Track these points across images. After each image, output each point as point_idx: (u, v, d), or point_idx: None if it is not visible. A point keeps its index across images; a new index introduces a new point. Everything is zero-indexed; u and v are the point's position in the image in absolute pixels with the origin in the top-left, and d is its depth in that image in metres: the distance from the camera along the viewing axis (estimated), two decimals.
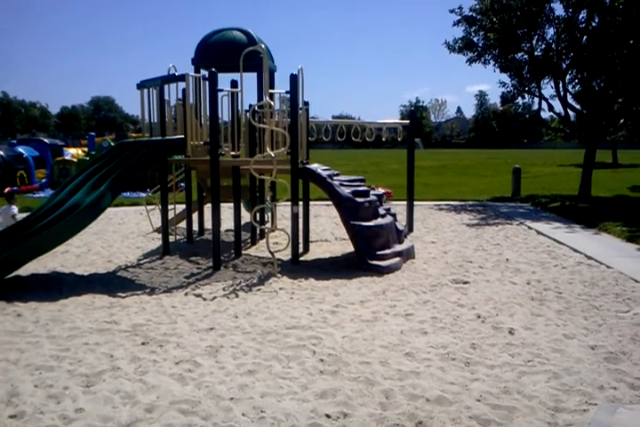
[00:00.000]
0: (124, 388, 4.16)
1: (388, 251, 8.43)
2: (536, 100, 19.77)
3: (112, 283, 7.48)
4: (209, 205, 9.29)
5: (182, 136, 8.63)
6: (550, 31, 18.48)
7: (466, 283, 7.45)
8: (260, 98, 9.40)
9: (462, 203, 17.43)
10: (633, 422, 3.62)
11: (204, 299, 6.68)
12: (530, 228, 12.18)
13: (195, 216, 11.07)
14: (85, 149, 25.88)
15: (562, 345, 5.10)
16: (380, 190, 17.97)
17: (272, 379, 4.33)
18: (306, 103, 9.65)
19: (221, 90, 8.89)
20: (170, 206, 10.20)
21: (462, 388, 4.18)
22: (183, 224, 10.97)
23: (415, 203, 12.86)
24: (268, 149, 8.16)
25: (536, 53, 18.45)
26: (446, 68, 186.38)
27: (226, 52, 9.87)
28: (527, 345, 5.09)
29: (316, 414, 3.73)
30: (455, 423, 3.61)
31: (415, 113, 14.34)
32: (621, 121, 19.73)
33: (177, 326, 5.66)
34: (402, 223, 10.42)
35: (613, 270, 8.00)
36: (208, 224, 10.26)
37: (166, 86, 9.11)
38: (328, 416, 3.71)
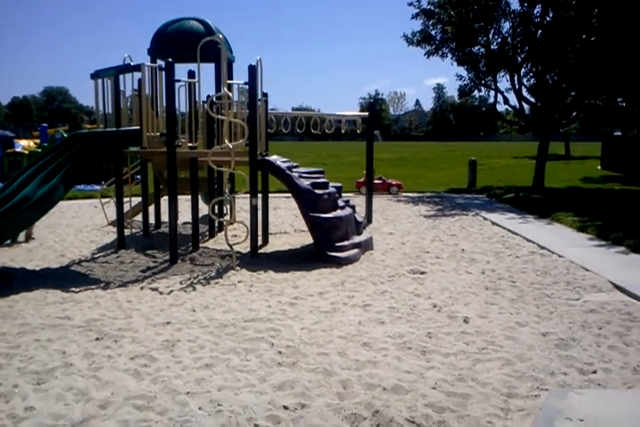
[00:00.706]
0: (77, 384, 4.07)
1: (346, 242, 8.47)
2: (492, 93, 20.16)
3: (65, 278, 7.30)
4: (166, 197, 9.15)
5: (138, 127, 8.45)
6: (506, 25, 18.81)
7: (423, 273, 7.56)
8: (218, 89, 9.28)
9: (420, 194, 17.65)
10: (582, 406, 3.74)
11: (161, 293, 6.58)
12: (485, 218, 12.42)
13: (151, 209, 10.90)
14: (37, 141, 25.10)
15: (515, 333, 5.22)
16: (392, 182, 18.00)
17: (229, 372, 4.31)
18: (265, 94, 9.57)
19: (178, 80, 8.74)
20: (125, 199, 10.00)
21: (418, 376, 4.23)
22: (139, 217, 10.77)
23: (374, 195, 12.94)
24: (226, 141, 8.08)
25: (492, 47, 18.76)
26: (405, 60, 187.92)
27: (183, 42, 9.69)
28: (481, 333, 5.20)
29: (273, 406, 3.73)
30: (411, 411, 3.66)
31: (374, 105, 14.42)
32: (574, 114, 20.27)
33: (132, 320, 5.57)
34: (361, 215, 10.48)
35: (565, 259, 8.23)
36: (165, 217, 10.11)
37: (121, 76, 8.90)
38: (286, 408, 3.72)
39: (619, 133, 37.74)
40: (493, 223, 11.76)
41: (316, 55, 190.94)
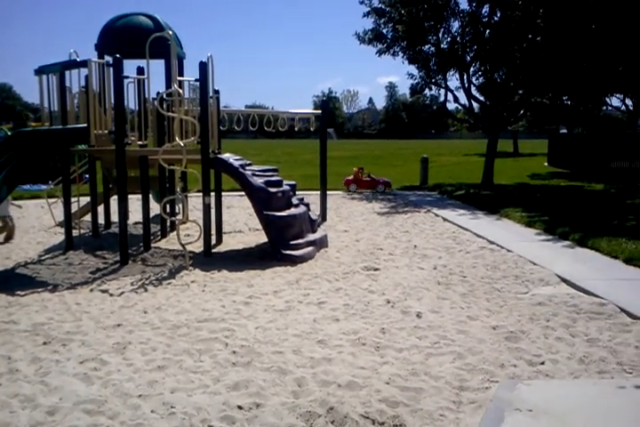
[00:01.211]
0: (24, 391, 3.93)
1: (301, 240, 8.47)
2: (442, 91, 20.49)
3: (10, 281, 7.05)
4: (115, 196, 8.94)
5: (85, 125, 8.23)
6: (455, 24, 19.16)
7: (376, 270, 7.62)
8: (168, 86, 9.12)
9: (373, 192, 17.79)
10: (530, 397, 3.84)
11: (111, 295, 6.43)
12: (437, 215, 12.63)
13: (100, 209, 10.64)
14: None
15: (466, 326, 5.33)
16: (380, 180, 17.93)
17: (183, 374, 4.25)
18: (216, 92, 9.47)
19: (127, 77, 8.56)
20: (73, 199, 9.73)
21: (372, 372, 4.27)
22: (88, 218, 10.50)
23: (328, 192, 12.98)
24: (177, 139, 7.96)
25: (442, 46, 19.07)
26: (358, 59, 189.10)
27: (131, 37, 9.50)
28: (434, 328, 5.28)
29: (227, 407, 3.70)
30: (365, 407, 3.68)
31: (327, 103, 14.45)
32: (521, 112, 20.81)
33: (81, 323, 5.42)
34: (315, 213, 10.49)
35: (513, 254, 8.45)
36: (115, 217, 9.88)
37: (67, 72, 8.65)
38: (240, 408, 3.69)
39: (564, 131, 38.99)
40: (445, 220, 11.97)
41: (269, 53, 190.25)
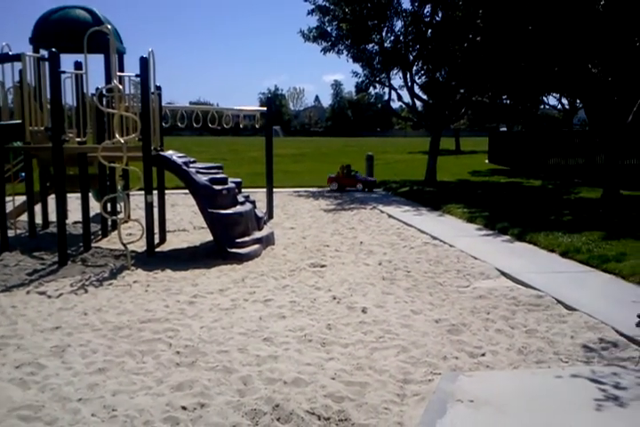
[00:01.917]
0: None
1: (247, 238, 8.41)
2: (387, 90, 20.75)
3: None
4: (54, 195, 8.65)
5: (20, 121, 7.93)
6: (398, 24, 19.43)
7: (323, 266, 7.66)
8: (108, 81, 8.88)
9: (320, 189, 17.87)
10: (471, 388, 3.94)
11: (49, 296, 6.21)
12: (382, 212, 12.79)
13: (38, 208, 10.26)
14: None
15: (410, 320, 5.42)
16: (362, 178, 17.65)
17: (124, 376, 4.15)
18: (158, 88, 9.30)
19: (64, 72, 8.29)
20: (8, 198, 9.34)
21: (318, 368, 4.29)
22: (24, 217, 10.11)
23: (275, 190, 12.95)
24: (117, 136, 7.76)
25: (386, 45, 19.30)
26: (304, 56, 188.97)
27: (68, 31, 9.23)
28: (378, 322, 5.35)
29: (171, 408, 3.64)
30: (311, 403, 3.69)
31: (272, 100, 14.40)
32: (462, 110, 21.31)
33: (17, 326, 5.21)
34: (261, 210, 10.44)
35: (455, 249, 8.65)
36: (53, 216, 9.55)
37: (0, 66, 8.31)
38: (184, 408, 3.63)
39: (504, 129, 40.15)
40: (390, 216, 12.13)
41: (214, 49, 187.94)
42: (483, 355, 4.61)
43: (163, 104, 9.89)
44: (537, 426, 3.45)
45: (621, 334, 4.98)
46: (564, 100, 31.48)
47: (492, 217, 11.12)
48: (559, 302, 5.97)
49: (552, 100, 34.82)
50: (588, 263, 7.54)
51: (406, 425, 3.48)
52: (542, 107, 35.22)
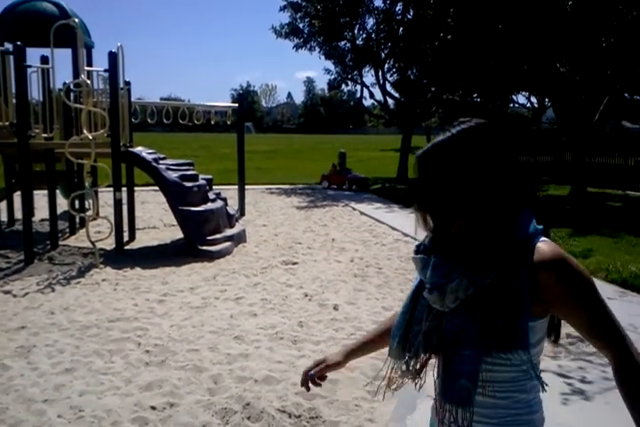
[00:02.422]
0: None
1: (218, 236, 8.35)
2: (359, 87, 20.81)
3: None
4: (20, 192, 8.46)
5: None
6: (370, 21, 19.50)
7: (295, 264, 7.65)
8: (75, 76, 8.72)
9: (292, 186, 17.84)
10: None
11: (15, 295, 6.07)
12: (354, 209, 12.83)
13: (3, 206, 10.03)
14: None
15: (381, 317, 5.43)
16: (351, 176, 16.83)
17: (92, 376, 4.08)
18: (127, 83, 9.16)
19: (30, 66, 8.11)
20: None
21: (289, 366, 4.28)
22: None
23: (247, 187, 12.89)
24: (85, 131, 7.63)
25: (358, 42, 19.35)
26: (276, 53, 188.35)
27: (34, 24, 9.02)
28: (350, 319, 5.36)
29: (140, 408, 3.59)
30: (282, 401, 3.69)
31: (243, 96, 14.34)
32: (434, 108, 21.48)
33: None
34: (233, 207, 10.39)
35: None
36: (19, 214, 9.34)
37: None
38: (153, 408, 3.59)
39: None
40: (362, 213, 12.18)
41: (186, 44, 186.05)
42: None
43: (132, 100, 9.75)
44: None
45: None
46: (533, 99, 31.98)
47: None
48: None
49: (521, 98, 35.38)
50: None
51: (377, 422, 3.50)
52: (512, 105, 35.71)
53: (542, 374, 4.25)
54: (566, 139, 15.60)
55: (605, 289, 6.34)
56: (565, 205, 12.73)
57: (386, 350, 4.58)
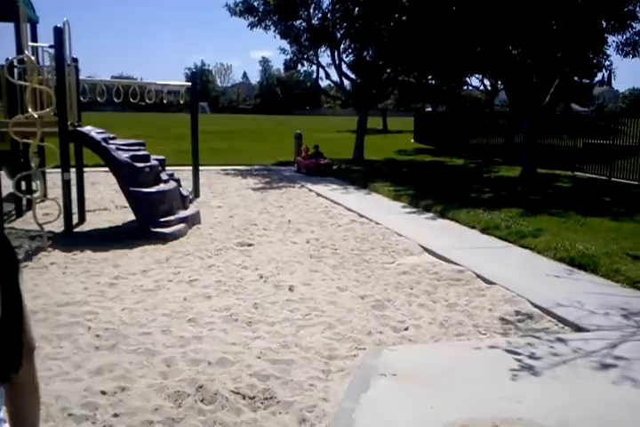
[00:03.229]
0: None
1: (171, 217, 8.21)
2: (315, 67, 20.64)
3: None
4: None
5: None
6: (326, 1, 19.30)
7: (250, 245, 7.59)
8: (19, 52, 8.34)
9: (248, 167, 17.66)
10: (394, 362, 4.03)
11: None
12: (310, 190, 12.80)
13: None
14: None
15: (336, 297, 5.47)
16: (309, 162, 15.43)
17: (40, 361, 3.94)
18: (75, 60, 8.85)
19: None
20: None
21: (244, 347, 4.26)
22: None
23: (202, 168, 12.69)
24: (30, 110, 7.33)
25: (313, 22, 19.12)
26: (231, 31, 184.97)
27: None
28: (305, 300, 5.37)
29: (90, 393, 3.51)
30: (236, 382, 3.67)
31: (196, 75, 14.02)
32: (389, 90, 21.52)
33: None
34: (187, 189, 10.22)
35: (381, 226, 8.78)
36: None
37: None
38: (104, 393, 3.52)
39: (429, 109, 40.97)
40: (318, 194, 12.16)
41: (138, 21, 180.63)
42: (406, 329, 4.72)
43: (81, 77, 9.42)
44: (457, 397, 3.57)
45: (536, 306, 5.23)
46: (487, 82, 32.42)
47: (417, 195, 11.37)
48: (479, 276, 6.19)
49: (475, 81, 35.82)
50: (506, 239, 7.84)
51: (331, 401, 3.52)
52: (466, 88, 36.15)
53: (492, 351, 4.33)
54: (517, 121, 15.90)
55: (554, 267, 6.54)
56: (516, 186, 13.01)
57: (341, 329, 4.60)
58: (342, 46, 19.56)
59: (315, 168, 15.54)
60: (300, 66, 20.95)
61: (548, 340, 4.45)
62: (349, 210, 10.22)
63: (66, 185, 7.84)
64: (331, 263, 6.72)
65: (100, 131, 8.70)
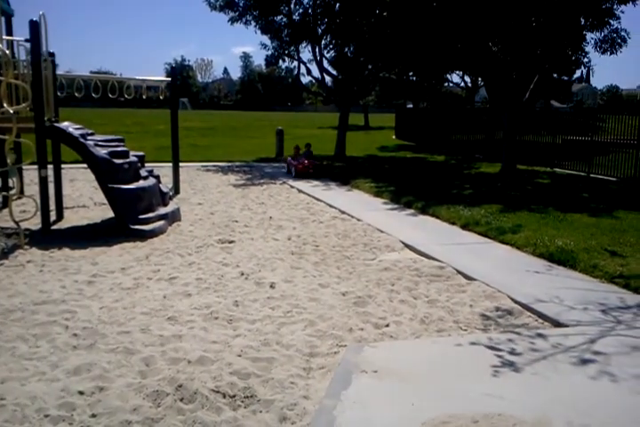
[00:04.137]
0: None
1: (151, 214, 8.12)
2: (296, 63, 20.55)
3: None
4: None
5: None
6: None
7: (231, 242, 7.54)
8: None
9: (229, 164, 17.57)
10: (375, 358, 4.02)
11: None
12: (292, 186, 12.76)
13: None
14: None
15: (317, 294, 5.45)
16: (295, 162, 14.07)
17: (15, 362, 3.89)
18: (51, 54, 8.70)
19: None
20: None
21: (224, 345, 4.22)
22: None
23: (182, 164, 12.59)
24: (5, 105, 7.19)
25: (294, 17, 19.02)
26: (212, 27, 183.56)
27: None
28: (286, 297, 5.34)
29: (67, 393, 3.45)
30: (216, 381, 3.63)
31: (176, 70, 13.86)
32: (371, 86, 21.51)
33: None
34: (167, 185, 10.12)
35: (363, 223, 8.78)
36: None
37: None
38: (81, 393, 3.46)
39: (410, 106, 41.08)
40: (300, 191, 12.13)
41: (118, 16, 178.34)
42: (387, 326, 4.72)
43: (58, 72, 9.27)
44: (437, 393, 3.57)
45: (516, 302, 5.26)
46: (467, 78, 32.59)
47: (398, 191, 11.38)
48: (459, 272, 6.21)
49: (456, 77, 35.96)
50: (486, 235, 7.89)
51: (312, 398, 3.50)
52: (447, 84, 36.30)
53: (473, 347, 4.35)
54: (498, 117, 16.00)
55: (533, 263, 6.59)
56: (496, 182, 13.10)
57: (322, 326, 4.59)
58: (323, 42, 19.50)
59: (302, 170, 14.37)
60: (281, 62, 20.83)
61: (528, 335, 4.48)
62: (331, 206, 10.21)
63: (43, 182, 7.71)
64: (312, 260, 6.69)
65: (78, 127, 8.58)
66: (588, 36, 14.75)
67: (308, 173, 14.32)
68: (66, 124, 8.44)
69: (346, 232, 8.17)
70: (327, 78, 20.56)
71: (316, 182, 13.41)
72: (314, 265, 6.50)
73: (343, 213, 9.60)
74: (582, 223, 8.48)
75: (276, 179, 14.06)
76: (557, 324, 4.79)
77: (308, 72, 20.57)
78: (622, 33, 14.06)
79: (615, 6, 13.94)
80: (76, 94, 10.63)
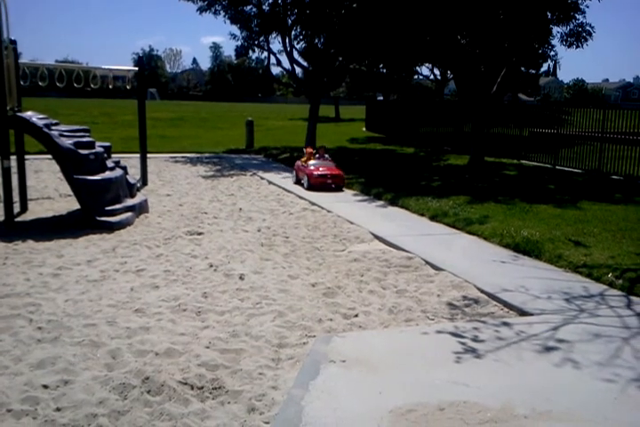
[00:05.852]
0: None
1: (118, 206, 8.00)
2: (266, 54, 20.35)
3: None
4: None
5: None
6: None
7: (200, 234, 7.48)
8: None
9: (199, 155, 17.40)
10: (343, 348, 4.04)
11: None
12: (262, 178, 12.70)
13: None
14: None
15: (287, 285, 5.45)
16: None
17: None
18: (13, 42, 8.44)
19: None
20: None
21: (192, 337, 4.20)
22: None
23: (150, 155, 12.42)
24: None
25: (264, 7, 18.81)
26: (180, 16, 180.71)
27: None
28: (256, 289, 5.33)
29: (30, 387, 3.40)
30: (184, 373, 3.61)
31: (143, 60, 13.62)
32: (341, 78, 21.47)
33: None
34: (134, 177, 9.97)
35: (333, 214, 8.79)
36: None
37: None
38: (45, 387, 3.41)
39: (381, 98, 41.17)
40: (270, 182, 12.08)
41: (84, 3, 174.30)
42: (356, 316, 4.75)
43: (22, 61, 9.03)
44: (404, 381, 3.61)
45: (482, 292, 5.34)
46: (437, 71, 32.76)
47: (368, 183, 11.42)
48: (427, 262, 6.28)
49: (425, 70, 36.16)
50: (454, 226, 7.98)
51: (280, 389, 3.51)
52: (416, 77, 36.44)
53: (440, 336, 4.40)
54: (466, 110, 16.15)
55: (500, 253, 6.69)
56: (464, 174, 13.24)
57: (292, 317, 4.59)
58: (293, 33, 19.33)
59: (319, 183, 10.76)
60: (251, 52, 20.59)
61: (494, 324, 4.56)
62: (301, 198, 10.19)
63: (5, 173, 7.53)
64: (282, 251, 6.69)
65: (42, 116, 8.38)
66: (555, 29, 14.95)
67: (330, 188, 10.78)
68: (29, 113, 8.24)
69: (316, 224, 8.17)
70: (297, 69, 20.45)
71: (286, 174, 13.36)
72: (283, 256, 6.49)
73: (313, 204, 9.60)
74: (548, 214, 8.64)
75: (245, 170, 13.98)
76: (522, 312, 4.88)
77: (279, 63, 20.43)
78: (588, 27, 14.26)
79: (580, 1, 14.15)
80: (40, 83, 10.36)
